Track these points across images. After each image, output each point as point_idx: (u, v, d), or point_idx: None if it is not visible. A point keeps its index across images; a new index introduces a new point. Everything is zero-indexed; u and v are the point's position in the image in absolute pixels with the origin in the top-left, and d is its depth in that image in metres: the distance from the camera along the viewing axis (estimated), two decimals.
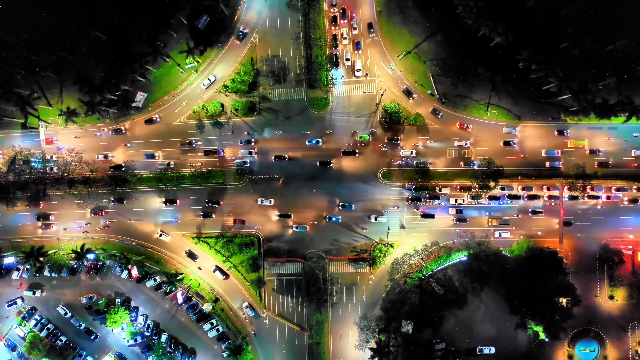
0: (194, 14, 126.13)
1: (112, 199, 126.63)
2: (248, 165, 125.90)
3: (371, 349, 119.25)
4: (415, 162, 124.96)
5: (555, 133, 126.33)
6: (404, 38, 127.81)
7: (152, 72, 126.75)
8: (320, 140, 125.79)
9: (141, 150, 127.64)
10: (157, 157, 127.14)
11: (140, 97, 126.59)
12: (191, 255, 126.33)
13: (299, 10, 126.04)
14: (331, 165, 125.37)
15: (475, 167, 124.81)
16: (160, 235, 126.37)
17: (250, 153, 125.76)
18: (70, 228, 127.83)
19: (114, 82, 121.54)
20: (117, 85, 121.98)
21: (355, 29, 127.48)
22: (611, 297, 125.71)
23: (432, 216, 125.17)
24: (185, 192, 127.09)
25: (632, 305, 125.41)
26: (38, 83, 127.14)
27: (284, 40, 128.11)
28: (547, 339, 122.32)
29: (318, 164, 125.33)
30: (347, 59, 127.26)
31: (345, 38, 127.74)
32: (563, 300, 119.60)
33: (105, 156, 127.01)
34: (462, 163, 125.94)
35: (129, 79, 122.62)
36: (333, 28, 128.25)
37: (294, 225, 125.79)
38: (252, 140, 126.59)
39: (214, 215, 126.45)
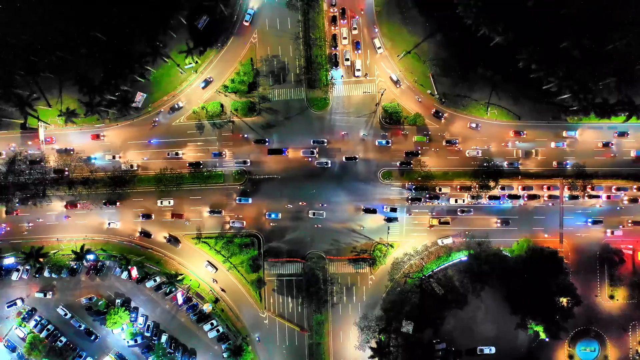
0: (193, 14, 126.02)
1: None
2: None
3: (371, 349, 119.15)
4: (491, 162, 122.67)
5: None
6: (404, 38, 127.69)
7: (152, 72, 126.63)
8: (325, 140, 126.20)
9: (209, 148, 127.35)
10: (224, 156, 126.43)
11: (139, 97, 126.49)
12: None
13: (298, 10, 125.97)
14: (356, 160, 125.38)
15: (568, 167, 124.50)
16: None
17: (312, 152, 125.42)
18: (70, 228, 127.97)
19: (114, 82, 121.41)
20: (117, 86, 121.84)
21: (355, 28, 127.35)
22: (611, 297, 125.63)
23: (374, 211, 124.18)
24: (185, 192, 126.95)
25: (633, 305, 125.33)
26: (37, 84, 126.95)
27: (284, 40, 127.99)
28: (547, 339, 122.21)
29: (344, 159, 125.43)
30: (347, 59, 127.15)
31: (345, 38, 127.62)
32: (563, 300, 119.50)
33: (177, 154, 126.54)
34: (555, 163, 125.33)
35: (129, 79, 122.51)
36: (333, 28, 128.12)
37: (268, 213, 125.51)
38: (324, 142, 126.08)
39: (153, 216, 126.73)
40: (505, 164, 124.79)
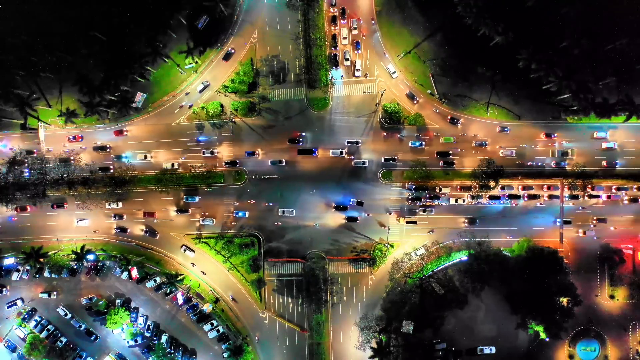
0: (193, 15, 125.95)
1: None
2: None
3: (372, 349, 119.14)
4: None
5: None
6: (404, 38, 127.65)
7: (152, 72, 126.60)
8: (359, 140, 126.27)
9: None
10: (257, 155, 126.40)
11: (139, 97, 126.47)
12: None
13: (298, 10, 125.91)
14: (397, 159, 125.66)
15: (618, 166, 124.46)
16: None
17: (341, 153, 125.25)
18: (70, 229, 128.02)
19: (114, 82, 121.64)
20: (117, 86, 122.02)
21: (355, 28, 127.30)
22: (612, 297, 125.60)
23: (345, 208, 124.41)
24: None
25: (633, 305, 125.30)
26: (37, 84, 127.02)
27: (284, 40, 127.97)
28: (547, 339, 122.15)
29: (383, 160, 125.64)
30: (347, 59, 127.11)
31: (344, 38, 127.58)
32: (564, 300, 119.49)
33: (212, 152, 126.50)
34: (604, 162, 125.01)
35: (129, 79, 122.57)
36: (333, 28, 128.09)
37: (236, 212, 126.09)
38: (359, 142, 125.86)
39: (125, 217, 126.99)
40: (552, 163, 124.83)
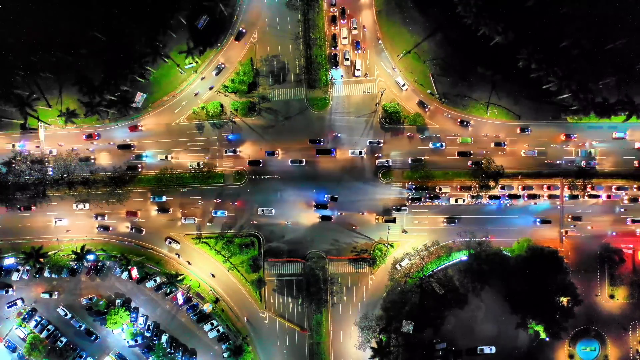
0: (193, 15, 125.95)
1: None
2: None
3: (372, 348, 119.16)
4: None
5: None
6: (404, 38, 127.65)
7: (152, 72, 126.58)
8: (381, 141, 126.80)
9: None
10: (277, 155, 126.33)
11: (139, 97, 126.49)
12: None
13: (298, 10, 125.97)
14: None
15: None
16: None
17: (360, 153, 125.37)
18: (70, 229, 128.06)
19: (114, 82, 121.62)
20: (117, 86, 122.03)
21: (355, 28, 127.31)
22: (612, 296, 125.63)
23: (325, 207, 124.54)
24: (184, 192, 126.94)
25: (633, 304, 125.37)
26: (37, 84, 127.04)
27: (284, 40, 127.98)
28: (547, 339, 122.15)
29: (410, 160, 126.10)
30: (347, 59, 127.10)
31: (344, 38, 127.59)
32: (564, 300, 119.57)
33: (234, 151, 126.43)
34: (636, 162, 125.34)
35: (129, 79, 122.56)
36: (332, 28, 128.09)
37: (214, 211, 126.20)
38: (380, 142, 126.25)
39: (106, 217, 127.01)
40: (582, 163, 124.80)
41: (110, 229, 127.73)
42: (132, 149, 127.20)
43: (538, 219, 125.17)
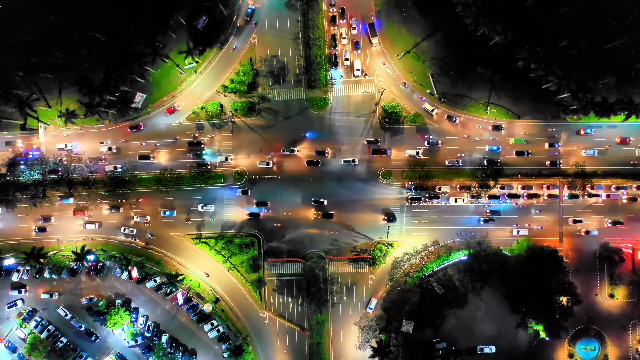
0: (192, 15, 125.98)
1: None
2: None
3: (372, 348, 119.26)
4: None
5: None
6: (403, 37, 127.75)
7: (151, 72, 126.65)
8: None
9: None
10: (326, 154, 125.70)
11: (139, 98, 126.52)
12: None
13: (297, 10, 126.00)
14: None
15: None
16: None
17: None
18: (70, 229, 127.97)
19: (113, 83, 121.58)
20: (116, 86, 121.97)
21: (354, 28, 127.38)
22: (611, 296, 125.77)
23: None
24: (184, 193, 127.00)
25: (633, 304, 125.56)
26: (37, 84, 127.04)
27: (283, 40, 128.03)
28: (547, 338, 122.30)
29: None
30: (347, 59, 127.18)
31: (344, 38, 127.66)
32: (563, 299, 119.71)
33: (292, 150, 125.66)
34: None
35: (128, 79, 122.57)
36: (332, 28, 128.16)
37: (163, 211, 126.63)
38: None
39: (53, 219, 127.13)
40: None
41: (46, 229, 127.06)
42: (202, 145, 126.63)
43: (482, 219, 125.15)
